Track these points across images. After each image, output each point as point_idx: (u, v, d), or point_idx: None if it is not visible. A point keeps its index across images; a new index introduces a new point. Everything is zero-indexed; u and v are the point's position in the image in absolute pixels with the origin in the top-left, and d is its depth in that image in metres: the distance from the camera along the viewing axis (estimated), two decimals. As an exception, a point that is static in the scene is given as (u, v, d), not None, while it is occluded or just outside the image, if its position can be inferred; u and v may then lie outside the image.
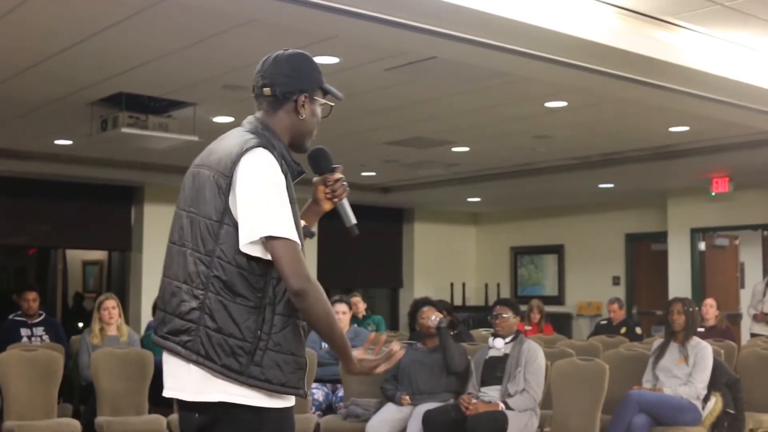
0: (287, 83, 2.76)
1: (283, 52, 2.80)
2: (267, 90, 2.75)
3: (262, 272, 2.58)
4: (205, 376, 2.58)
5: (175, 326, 2.63)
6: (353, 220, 2.90)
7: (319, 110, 2.83)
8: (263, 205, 2.55)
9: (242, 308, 2.56)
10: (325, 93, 2.85)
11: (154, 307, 8.82)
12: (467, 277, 16.28)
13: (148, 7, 5.24)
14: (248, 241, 2.54)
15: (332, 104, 2.87)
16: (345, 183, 2.91)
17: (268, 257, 2.56)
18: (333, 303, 7.79)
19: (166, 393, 2.73)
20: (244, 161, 2.59)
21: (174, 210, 2.78)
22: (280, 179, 2.60)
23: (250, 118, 2.81)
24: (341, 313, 7.61)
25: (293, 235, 2.56)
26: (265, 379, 2.57)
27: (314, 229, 3.01)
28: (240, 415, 2.59)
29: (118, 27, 5.58)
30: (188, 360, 2.60)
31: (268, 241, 2.54)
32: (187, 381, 2.62)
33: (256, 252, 2.57)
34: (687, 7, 5.84)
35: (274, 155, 2.64)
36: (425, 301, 7.11)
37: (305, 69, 2.81)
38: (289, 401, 2.65)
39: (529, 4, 5.33)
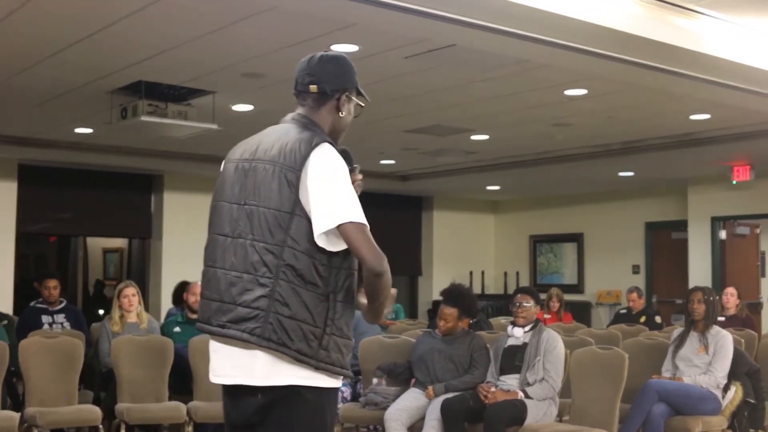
0: (333, 82, 2.94)
1: (326, 53, 3.00)
2: (313, 87, 2.92)
3: (327, 262, 2.76)
4: (274, 360, 2.73)
5: (237, 314, 2.76)
6: None
7: (353, 109, 3.01)
8: (338, 195, 2.73)
9: (313, 295, 2.74)
10: (359, 94, 3.03)
11: (177, 296, 8.83)
12: (486, 266, 16.25)
13: (167, -5, 5.26)
14: (326, 229, 2.70)
15: (363, 105, 3.04)
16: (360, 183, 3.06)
17: (333, 248, 2.74)
18: None
19: (219, 380, 2.86)
20: (315, 156, 2.76)
21: (215, 203, 2.93)
22: (346, 171, 2.79)
23: (293, 114, 2.96)
24: None
25: (365, 220, 2.74)
26: (330, 361, 2.76)
27: None
28: (305, 396, 2.75)
29: (138, 15, 5.59)
30: (259, 346, 2.72)
31: (345, 228, 2.70)
32: (253, 366, 2.75)
33: (323, 243, 2.73)
34: (708, -7, 5.81)
35: (336, 149, 2.81)
36: (449, 297, 6.68)
37: (347, 69, 3.00)
38: (340, 381, 2.85)
39: (549, -9, 5.31)
